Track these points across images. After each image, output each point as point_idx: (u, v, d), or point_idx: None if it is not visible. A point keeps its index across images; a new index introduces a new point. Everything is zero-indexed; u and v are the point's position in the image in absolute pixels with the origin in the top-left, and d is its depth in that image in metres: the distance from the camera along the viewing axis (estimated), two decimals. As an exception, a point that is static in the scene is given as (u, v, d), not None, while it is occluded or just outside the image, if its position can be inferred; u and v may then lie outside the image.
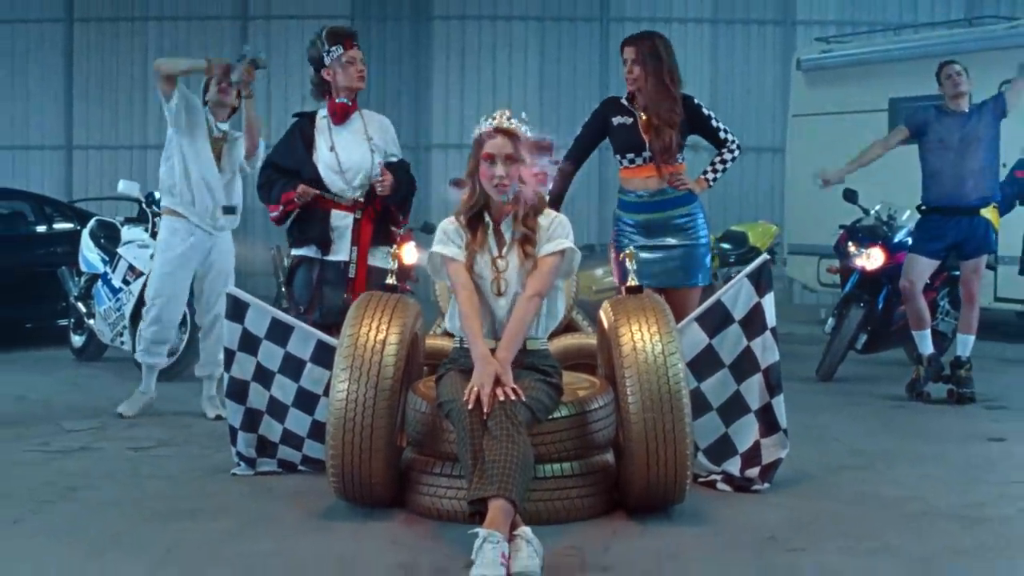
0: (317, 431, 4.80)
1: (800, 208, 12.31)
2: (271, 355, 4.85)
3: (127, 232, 8.37)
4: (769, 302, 4.73)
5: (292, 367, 4.83)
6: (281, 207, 5.58)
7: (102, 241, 8.90)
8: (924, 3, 15.86)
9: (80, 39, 16.15)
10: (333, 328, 4.80)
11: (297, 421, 4.90)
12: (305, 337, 4.83)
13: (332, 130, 5.60)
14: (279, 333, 4.83)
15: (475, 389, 3.90)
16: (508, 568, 3.47)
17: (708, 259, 5.76)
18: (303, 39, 15.86)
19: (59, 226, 10.48)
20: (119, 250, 8.29)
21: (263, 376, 4.88)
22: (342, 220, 5.54)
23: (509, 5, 15.78)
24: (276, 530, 4.13)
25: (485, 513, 3.62)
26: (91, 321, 8.70)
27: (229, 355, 4.90)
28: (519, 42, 15.77)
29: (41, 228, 10.30)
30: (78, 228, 10.14)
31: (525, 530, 3.62)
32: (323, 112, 5.67)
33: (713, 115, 5.76)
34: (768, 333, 4.72)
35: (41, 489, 4.75)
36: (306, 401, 4.85)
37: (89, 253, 8.90)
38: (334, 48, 5.54)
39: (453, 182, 4.59)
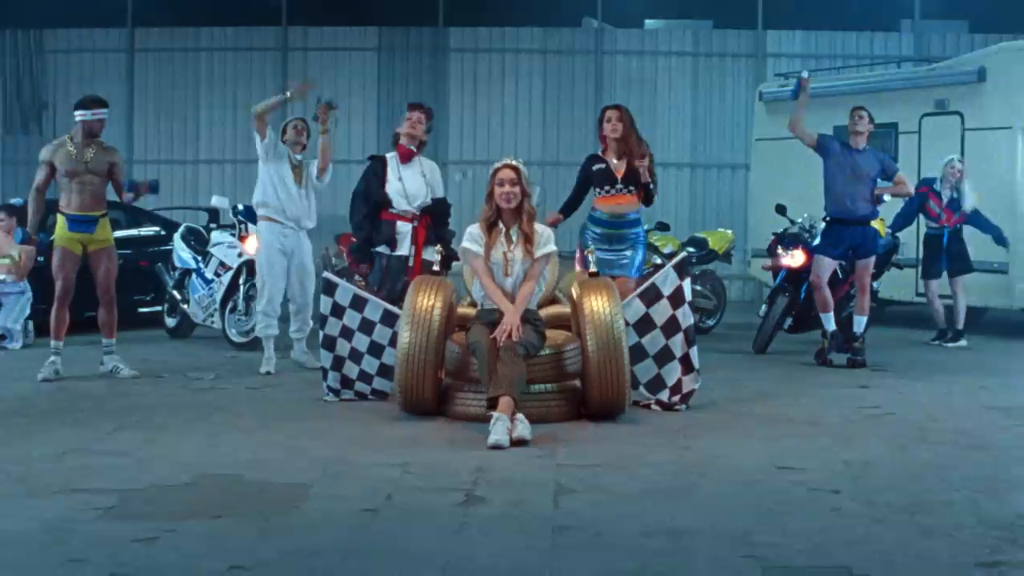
0: (383, 371, 7.16)
1: (760, 217, 14.49)
2: (352, 319, 7.18)
3: (216, 235, 10.70)
4: (687, 284, 7.05)
5: (366, 327, 7.16)
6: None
7: (192, 243, 11.21)
8: (878, 40, 18.08)
9: (140, 68, 18.27)
10: (396, 300, 7.14)
11: (369, 364, 7.23)
12: (376, 306, 7.17)
13: (400, 167, 8.00)
14: (358, 304, 7.18)
15: (505, 328, 6.26)
16: (511, 436, 5.81)
17: (643, 258, 8.17)
18: (336, 68, 18.16)
19: (146, 230, 12.77)
20: (210, 249, 10.61)
21: (346, 333, 7.21)
22: (403, 227, 7.93)
23: (516, 40, 18.05)
24: (363, 425, 6.50)
25: (497, 406, 5.96)
26: (185, 306, 11.01)
27: (323, 319, 7.23)
28: (524, 72, 18.00)
29: (132, 232, 12.51)
30: (161, 232, 12.49)
31: (520, 416, 6.00)
32: (391, 154, 8.07)
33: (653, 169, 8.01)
34: (686, 305, 7.04)
35: (197, 407, 7.13)
36: (375, 350, 7.18)
37: (182, 252, 11.19)
38: (406, 112, 8.02)
39: None
